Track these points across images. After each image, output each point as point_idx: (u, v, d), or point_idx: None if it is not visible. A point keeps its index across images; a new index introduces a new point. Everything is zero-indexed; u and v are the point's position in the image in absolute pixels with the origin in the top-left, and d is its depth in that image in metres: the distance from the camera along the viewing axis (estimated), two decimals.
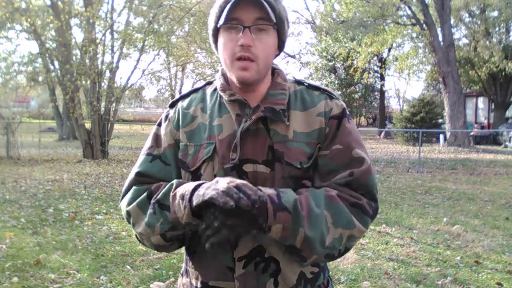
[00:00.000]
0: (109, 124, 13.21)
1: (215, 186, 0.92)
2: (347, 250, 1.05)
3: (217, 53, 1.12)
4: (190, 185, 0.99)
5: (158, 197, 1.04)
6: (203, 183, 0.98)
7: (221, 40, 1.07)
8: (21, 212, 5.75)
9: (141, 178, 1.11)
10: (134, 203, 1.07)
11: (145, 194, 1.07)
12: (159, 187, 1.07)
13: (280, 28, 1.07)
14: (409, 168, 11.25)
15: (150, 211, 1.04)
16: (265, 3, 1.00)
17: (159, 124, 1.18)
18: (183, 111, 1.15)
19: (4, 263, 3.81)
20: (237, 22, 1.03)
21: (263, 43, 1.04)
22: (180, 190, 0.99)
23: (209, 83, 1.21)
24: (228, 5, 1.01)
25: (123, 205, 1.11)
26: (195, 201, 0.93)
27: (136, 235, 1.11)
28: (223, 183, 0.92)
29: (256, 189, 0.94)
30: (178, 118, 1.15)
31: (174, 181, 1.04)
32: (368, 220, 1.05)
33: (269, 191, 0.96)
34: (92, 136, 12.63)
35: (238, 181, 0.94)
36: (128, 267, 3.80)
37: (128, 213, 1.09)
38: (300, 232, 0.96)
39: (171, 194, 1.01)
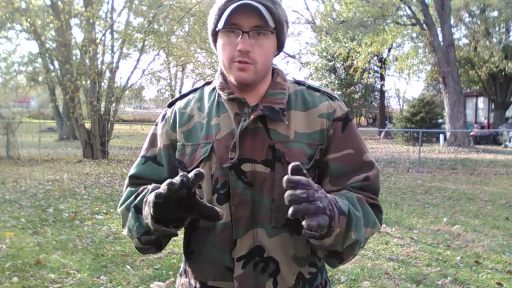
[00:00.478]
0: (109, 124, 13.22)
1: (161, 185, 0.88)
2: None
3: (216, 53, 1.13)
4: (155, 189, 0.97)
5: (136, 201, 1.04)
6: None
7: (220, 42, 1.07)
8: (21, 212, 5.75)
9: (135, 180, 1.14)
10: (124, 205, 1.09)
11: (133, 196, 1.08)
12: (144, 190, 1.07)
13: (279, 32, 1.07)
14: (409, 168, 11.25)
15: (129, 214, 1.06)
16: (263, 11, 1.00)
17: (157, 124, 1.19)
18: (180, 111, 1.15)
19: (4, 263, 3.81)
20: (236, 27, 1.03)
21: (262, 48, 1.04)
22: (150, 196, 0.97)
23: (208, 83, 1.20)
24: (228, 11, 1.01)
25: (118, 205, 1.14)
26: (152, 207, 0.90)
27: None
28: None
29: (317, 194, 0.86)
30: (175, 118, 1.15)
31: (151, 186, 1.04)
32: (382, 218, 1.09)
33: (329, 195, 0.91)
34: (92, 136, 12.63)
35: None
36: (128, 267, 3.80)
37: (119, 214, 1.12)
38: (350, 237, 0.95)
39: (144, 199, 1.01)
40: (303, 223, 0.80)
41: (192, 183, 0.83)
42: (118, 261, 3.93)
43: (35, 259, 3.90)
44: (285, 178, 0.79)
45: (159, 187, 0.93)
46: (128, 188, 1.12)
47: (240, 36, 1.02)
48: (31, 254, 4.06)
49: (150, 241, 1.04)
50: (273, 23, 1.04)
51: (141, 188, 1.08)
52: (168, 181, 0.84)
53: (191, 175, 0.83)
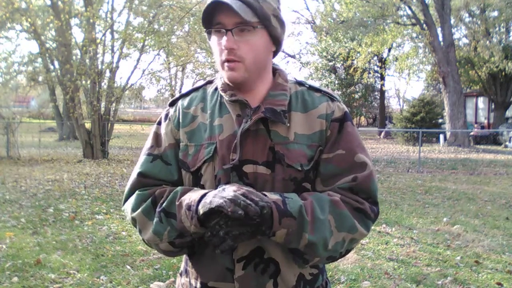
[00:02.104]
0: (109, 124, 13.21)
1: (222, 194, 0.93)
2: (348, 252, 1.06)
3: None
4: (196, 194, 0.99)
5: (164, 205, 1.03)
6: (208, 192, 0.98)
7: (211, 43, 1.09)
8: (21, 212, 5.75)
9: (143, 179, 1.11)
10: (139, 210, 1.07)
11: (149, 200, 1.06)
12: (163, 193, 1.06)
13: (267, 26, 1.06)
14: (409, 168, 11.25)
15: (156, 219, 1.04)
16: (236, 7, 0.99)
17: (159, 123, 1.18)
18: (183, 110, 1.15)
19: (4, 263, 3.81)
20: (220, 26, 1.04)
21: (249, 44, 1.04)
22: (186, 199, 0.99)
23: (210, 82, 1.20)
24: (203, 11, 1.03)
25: (128, 210, 1.11)
26: (201, 210, 0.94)
27: (143, 240, 1.10)
28: (229, 191, 0.93)
29: (262, 196, 0.95)
30: (179, 117, 1.14)
31: (179, 189, 1.04)
32: (369, 223, 1.06)
33: (274, 197, 0.97)
34: (92, 136, 12.63)
35: (245, 188, 0.95)
36: (128, 267, 3.80)
37: (133, 219, 1.09)
38: (304, 237, 0.96)
39: (177, 203, 1.01)
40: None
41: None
42: (118, 261, 3.93)
43: (35, 259, 3.90)
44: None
45: (189, 190, 1.03)
46: (137, 192, 1.10)
47: (225, 35, 1.03)
48: (31, 254, 4.06)
49: (184, 244, 1.05)
50: (254, 18, 1.03)
51: (157, 191, 1.07)
52: (251, 204, 0.91)
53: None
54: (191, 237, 1.02)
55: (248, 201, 0.90)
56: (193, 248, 1.09)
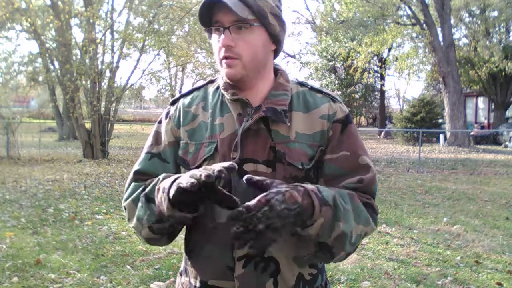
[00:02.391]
0: (109, 124, 13.22)
1: (189, 173, 0.90)
2: (356, 249, 1.06)
3: None
4: (173, 177, 0.98)
5: (146, 190, 1.05)
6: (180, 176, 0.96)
7: (211, 41, 1.11)
8: (21, 212, 5.75)
9: (140, 176, 1.13)
10: (130, 199, 1.09)
11: (140, 189, 1.08)
12: (152, 182, 1.08)
13: (264, 23, 1.06)
14: (409, 168, 11.25)
15: (139, 204, 1.06)
16: (231, 4, 1.00)
17: (160, 122, 1.19)
18: (184, 109, 1.16)
19: (4, 263, 3.81)
20: (218, 25, 1.05)
21: (246, 42, 1.05)
22: (163, 183, 0.99)
23: (212, 81, 1.21)
24: (199, 10, 1.04)
25: (122, 201, 1.14)
26: (171, 191, 0.92)
27: (133, 228, 1.12)
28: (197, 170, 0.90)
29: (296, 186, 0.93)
30: (179, 116, 1.15)
31: (162, 175, 1.05)
32: (376, 218, 1.08)
33: (309, 186, 0.95)
34: (92, 136, 12.63)
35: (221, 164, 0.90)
36: (128, 267, 3.80)
37: (124, 208, 1.12)
38: (337, 227, 0.95)
39: (156, 187, 1.02)
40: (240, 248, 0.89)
41: (227, 175, 0.87)
42: (118, 261, 3.93)
43: (35, 259, 3.90)
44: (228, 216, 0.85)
45: (170, 176, 0.99)
46: (133, 183, 1.12)
47: (222, 33, 1.05)
48: (31, 254, 4.06)
49: (163, 230, 1.04)
50: (250, 15, 1.03)
51: (148, 181, 1.09)
52: (204, 172, 0.85)
53: (224, 166, 0.87)
54: (169, 221, 1.01)
55: (205, 172, 0.86)
56: (174, 236, 1.09)
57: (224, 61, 1.06)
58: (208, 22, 1.08)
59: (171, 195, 0.91)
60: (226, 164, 0.88)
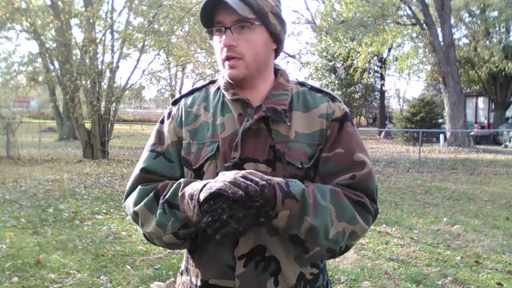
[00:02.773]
0: (109, 124, 13.22)
1: (222, 178, 0.93)
2: (347, 248, 1.06)
3: None
4: (199, 184, 0.99)
5: (167, 196, 1.04)
6: (211, 180, 0.98)
7: (213, 42, 1.11)
8: (21, 212, 5.75)
9: (146, 175, 1.12)
10: (142, 204, 1.07)
11: (152, 194, 1.07)
12: (166, 186, 1.07)
13: (265, 22, 1.07)
14: (409, 168, 11.25)
15: (159, 211, 1.04)
16: (232, 3, 1.01)
17: (162, 121, 1.19)
18: (186, 109, 1.16)
19: (4, 263, 3.81)
20: (220, 25, 1.06)
21: (248, 41, 1.05)
22: (188, 189, 1.00)
23: (212, 81, 1.22)
24: (200, 11, 1.05)
25: (129, 204, 1.11)
26: (203, 195, 0.94)
27: (144, 234, 1.10)
28: (229, 174, 0.93)
29: (262, 175, 0.95)
30: (181, 116, 1.15)
31: (182, 180, 1.05)
32: (370, 218, 1.06)
33: (277, 179, 0.97)
34: (92, 136, 12.63)
35: (244, 171, 0.95)
36: (128, 267, 3.80)
37: (135, 213, 1.09)
38: (306, 221, 0.96)
39: (180, 193, 1.02)
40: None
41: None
42: (118, 261, 3.93)
43: (35, 259, 3.90)
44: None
45: (192, 181, 1.03)
46: (139, 187, 1.10)
47: (224, 33, 1.05)
48: (31, 254, 4.06)
49: (188, 235, 1.05)
50: (251, 14, 1.04)
51: (160, 185, 1.08)
52: (241, 184, 0.90)
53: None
54: (195, 227, 1.01)
55: (248, 182, 0.91)
56: (196, 240, 1.09)
57: (226, 62, 1.06)
58: (209, 23, 1.08)
59: (202, 197, 0.94)
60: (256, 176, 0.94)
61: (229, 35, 1.04)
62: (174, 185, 1.05)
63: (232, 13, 1.03)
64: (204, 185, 0.96)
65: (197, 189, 0.98)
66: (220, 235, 0.92)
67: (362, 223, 1.04)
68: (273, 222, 0.97)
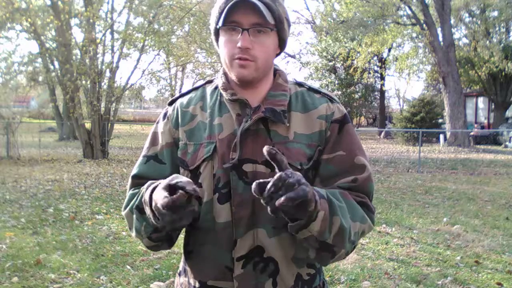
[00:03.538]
0: (109, 124, 13.22)
1: (161, 191, 0.91)
2: (354, 248, 1.06)
3: (219, 51, 1.13)
4: (149, 190, 0.98)
5: (137, 202, 1.05)
6: (156, 186, 0.97)
7: (221, 40, 1.08)
8: (21, 212, 5.75)
9: (138, 180, 1.13)
10: (127, 208, 1.09)
11: (135, 198, 1.09)
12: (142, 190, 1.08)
13: (279, 29, 1.07)
14: (409, 168, 11.25)
15: (134, 216, 1.06)
16: (262, 8, 1.00)
17: (158, 122, 1.19)
18: (182, 109, 1.15)
19: (4, 263, 3.81)
20: (236, 25, 1.04)
21: (262, 45, 1.04)
22: (145, 195, 1.00)
23: (209, 81, 1.21)
24: (226, 8, 1.02)
25: (122, 208, 1.14)
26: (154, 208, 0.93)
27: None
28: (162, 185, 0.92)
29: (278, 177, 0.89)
30: (177, 116, 1.15)
31: (146, 185, 1.04)
32: (373, 217, 1.08)
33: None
34: (92, 136, 12.63)
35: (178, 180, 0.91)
36: (128, 267, 3.80)
37: (124, 217, 1.12)
38: (336, 221, 0.94)
39: (142, 199, 1.02)
40: (277, 203, 0.81)
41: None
42: (118, 261, 3.93)
43: (35, 259, 3.90)
44: (253, 187, 0.84)
45: (150, 185, 1.00)
46: (131, 191, 1.12)
47: (240, 34, 1.03)
48: (31, 254, 4.06)
49: (161, 238, 1.05)
50: (272, 20, 1.04)
51: (141, 189, 1.09)
52: (168, 201, 0.86)
53: (190, 188, 0.88)
54: (164, 230, 1.01)
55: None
56: (172, 241, 1.10)
57: (237, 61, 1.04)
58: (221, 20, 1.05)
59: (155, 211, 0.93)
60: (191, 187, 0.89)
61: (246, 37, 1.02)
62: (142, 189, 1.05)
63: (252, 15, 1.02)
64: (151, 192, 0.96)
65: (148, 194, 0.98)
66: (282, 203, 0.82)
67: (370, 223, 1.05)
68: (309, 228, 0.90)
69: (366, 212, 1.05)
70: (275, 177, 0.84)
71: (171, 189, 0.89)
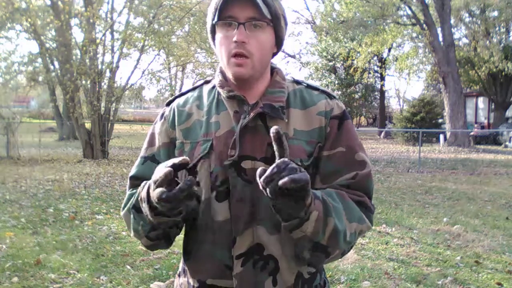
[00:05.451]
0: (109, 124, 13.21)
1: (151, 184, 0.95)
2: (351, 248, 1.06)
3: (215, 50, 1.12)
4: (146, 186, 0.99)
5: (134, 201, 1.06)
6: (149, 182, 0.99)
7: (217, 36, 1.08)
8: (21, 212, 5.75)
9: (135, 181, 1.14)
10: (125, 209, 1.10)
11: (132, 198, 1.09)
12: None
13: (276, 25, 1.07)
14: (409, 168, 11.25)
15: (131, 216, 1.07)
16: (258, 1, 1.00)
17: (156, 123, 1.19)
18: (178, 109, 1.15)
19: (4, 263, 3.81)
20: (232, 19, 1.03)
21: (258, 40, 1.04)
22: (142, 193, 1.00)
23: (207, 81, 1.21)
24: (221, 2, 1.02)
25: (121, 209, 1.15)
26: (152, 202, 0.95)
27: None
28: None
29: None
30: (174, 116, 1.15)
31: (143, 183, 1.04)
32: (371, 217, 1.07)
33: None
34: (92, 136, 12.63)
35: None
36: (128, 267, 3.80)
37: (123, 218, 1.13)
38: (330, 222, 0.94)
39: (139, 198, 1.02)
40: (280, 182, 0.82)
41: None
42: (118, 261, 3.93)
43: (35, 259, 3.90)
44: (258, 172, 0.86)
45: (146, 183, 1.01)
46: (129, 192, 1.13)
47: (236, 29, 1.02)
48: (31, 254, 4.06)
49: (159, 236, 1.06)
50: (269, 15, 1.03)
51: (138, 188, 1.09)
52: (164, 195, 0.89)
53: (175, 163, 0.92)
54: (161, 227, 1.02)
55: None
56: (169, 239, 1.10)
57: (233, 59, 1.03)
58: (217, 16, 1.05)
59: (152, 205, 0.94)
60: (177, 160, 0.92)
61: (242, 31, 1.02)
62: (140, 189, 1.05)
63: (248, 8, 1.01)
64: (148, 188, 0.97)
65: (144, 191, 0.98)
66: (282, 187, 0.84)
67: (368, 222, 1.05)
68: (302, 228, 0.92)
69: (364, 212, 1.04)
70: (279, 160, 0.86)
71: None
